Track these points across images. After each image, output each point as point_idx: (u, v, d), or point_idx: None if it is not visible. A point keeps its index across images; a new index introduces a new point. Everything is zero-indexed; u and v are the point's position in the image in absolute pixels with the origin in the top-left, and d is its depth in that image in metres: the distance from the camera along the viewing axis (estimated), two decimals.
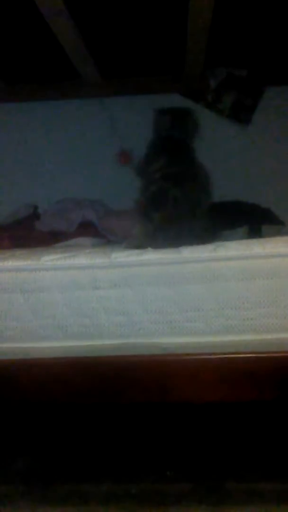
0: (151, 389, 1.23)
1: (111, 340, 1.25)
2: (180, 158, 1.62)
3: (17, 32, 2.04)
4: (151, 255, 1.26)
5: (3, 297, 1.26)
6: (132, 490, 1.37)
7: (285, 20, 1.97)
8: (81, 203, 2.26)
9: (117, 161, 2.52)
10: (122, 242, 1.66)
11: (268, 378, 1.20)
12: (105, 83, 2.51)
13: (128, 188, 2.57)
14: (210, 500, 1.31)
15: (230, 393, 1.21)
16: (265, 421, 1.71)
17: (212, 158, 1.84)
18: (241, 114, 2.55)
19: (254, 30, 2.08)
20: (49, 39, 1.98)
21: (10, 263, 1.28)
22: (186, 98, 2.55)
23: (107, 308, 1.24)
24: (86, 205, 2.22)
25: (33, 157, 2.64)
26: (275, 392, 1.20)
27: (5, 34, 2.05)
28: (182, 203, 1.50)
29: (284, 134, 2.55)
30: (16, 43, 2.13)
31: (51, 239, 2.03)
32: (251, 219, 2.04)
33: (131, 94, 2.55)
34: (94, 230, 2.12)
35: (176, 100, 2.54)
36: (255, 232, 1.92)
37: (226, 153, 2.54)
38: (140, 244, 1.40)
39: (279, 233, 1.91)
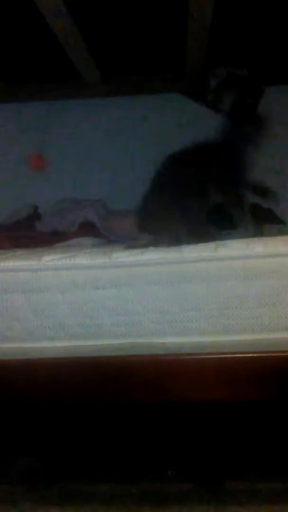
0: (152, 389, 1.23)
1: (111, 340, 1.25)
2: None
3: (17, 32, 2.04)
4: (151, 255, 1.26)
5: (4, 297, 1.26)
6: (133, 489, 1.37)
7: (286, 19, 1.97)
8: (82, 203, 2.26)
9: (28, 165, 2.49)
10: (123, 242, 1.66)
11: (268, 378, 1.20)
12: (105, 83, 2.51)
13: (128, 188, 2.59)
14: (210, 499, 1.31)
15: (230, 393, 1.21)
16: (265, 421, 1.71)
17: None
18: (241, 114, 2.55)
19: (255, 29, 2.08)
20: (49, 39, 1.98)
21: (11, 263, 1.28)
22: (186, 97, 2.55)
23: (108, 308, 1.24)
24: (87, 205, 2.22)
25: None
26: (275, 392, 1.20)
27: (5, 34, 2.05)
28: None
29: (284, 133, 2.54)
30: (16, 43, 2.13)
31: (51, 239, 2.03)
32: (251, 219, 2.03)
33: (131, 93, 2.55)
34: (95, 230, 2.11)
35: (176, 100, 2.54)
36: (256, 231, 1.91)
37: None
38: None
39: (280, 233, 1.90)
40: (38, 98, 2.60)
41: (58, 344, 1.26)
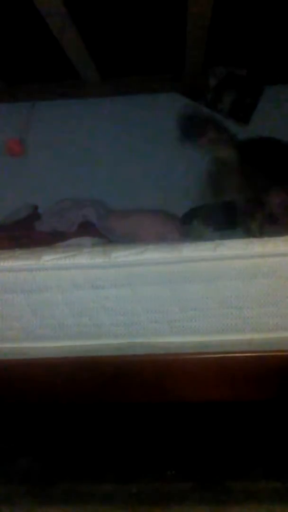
0: (151, 389, 1.23)
1: (111, 340, 1.25)
2: None
3: (16, 33, 2.04)
4: (151, 255, 1.26)
5: (3, 297, 1.26)
6: (133, 489, 1.37)
7: (285, 19, 1.97)
8: (82, 203, 2.26)
9: (6, 151, 2.46)
10: (123, 242, 1.66)
11: (268, 378, 1.20)
12: (104, 83, 2.51)
13: (128, 188, 2.59)
14: (210, 499, 1.31)
15: (230, 393, 1.21)
16: (265, 421, 1.71)
17: None
18: (240, 113, 2.55)
19: (254, 29, 2.08)
20: (49, 39, 1.98)
21: (10, 263, 1.28)
22: (185, 97, 2.55)
23: (107, 308, 1.24)
24: (87, 205, 2.21)
25: (33, 157, 2.64)
26: (275, 391, 1.20)
27: (5, 35, 2.05)
28: None
29: (283, 133, 2.54)
30: (16, 44, 2.13)
31: (51, 239, 2.02)
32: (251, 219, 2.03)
33: (130, 93, 2.55)
34: (95, 230, 2.11)
35: (176, 99, 2.54)
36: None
37: None
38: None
39: (279, 232, 1.90)
40: (38, 98, 2.60)
41: (58, 344, 1.26)
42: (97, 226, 2.12)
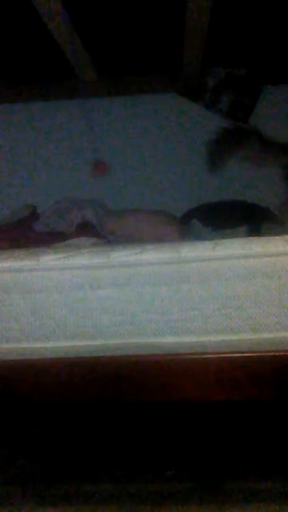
0: (151, 389, 1.23)
1: (110, 340, 1.25)
2: None
3: (16, 34, 2.04)
4: (150, 255, 1.26)
5: (3, 298, 1.26)
6: (132, 489, 1.37)
7: (284, 19, 1.97)
8: (81, 203, 2.26)
9: (93, 172, 2.48)
10: (122, 243, 1.66)
11: (268, 378, 1.20)
12: (102, 83, 2.51)
13: (126, 188, 2.59)
14: (210, 499, 1.31)
15: (230, 393, 1.21)
16: (265, 421, 1.71)
17: None
18: (239, 113, 2.55)
19: (253, 29, 2.08)
20: (48, 40, 1.98)
21: (9, 264, 1.28)
22: (184, 97, 2.55)
23: (107, 308, 1.24)
24: (85, 205, 2.21)
25: (33, 157, 2.64)
26: (275, 391, 1.20)
27: (5, 36, 2.05)
28: None
29: (282, 133, 2.54)
30: (15, 44, 2.13)
31: (50, 239, 2.02)
32: (250, 219, 2.04)
33: (128, 93, 2.55)
34: (94, 231, 2.11)
35: (173, 100, 2.54)
36: (254, 231, 1.92)
37: None
38: None
39: (278, 232, 1.90)
40: (37, 98, 2.60)
41: (57, 344, 1.26)
42: (96, 227, 2.12)
